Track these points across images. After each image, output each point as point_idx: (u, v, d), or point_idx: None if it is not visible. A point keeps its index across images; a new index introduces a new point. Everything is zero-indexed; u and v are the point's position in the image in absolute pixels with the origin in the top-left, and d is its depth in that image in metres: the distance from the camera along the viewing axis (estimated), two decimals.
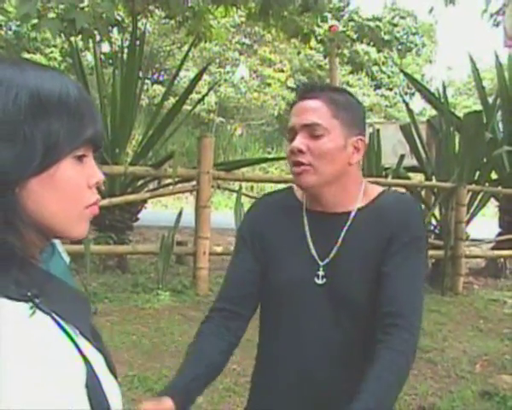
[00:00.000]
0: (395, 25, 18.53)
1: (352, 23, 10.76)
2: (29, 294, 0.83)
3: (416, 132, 8.90)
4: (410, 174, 9.31)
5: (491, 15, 13.80)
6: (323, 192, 1.64)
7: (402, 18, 27.82)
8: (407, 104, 10.09)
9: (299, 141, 1.61)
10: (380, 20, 11.51)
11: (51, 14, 6.23)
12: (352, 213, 1.66)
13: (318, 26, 9.43)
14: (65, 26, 5.63)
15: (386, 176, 8.13)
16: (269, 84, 23.20)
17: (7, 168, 0.85)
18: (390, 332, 1.50)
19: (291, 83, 23.75)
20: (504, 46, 9.60)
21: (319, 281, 1.63)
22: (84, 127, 0.92)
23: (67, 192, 0.91)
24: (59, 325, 0.85)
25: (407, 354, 1.51)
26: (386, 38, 10.84)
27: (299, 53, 23.37)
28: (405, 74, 9.94)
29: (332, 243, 1.64)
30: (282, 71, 23.70)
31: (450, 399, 4.43)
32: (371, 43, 9.88)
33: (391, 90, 28.30)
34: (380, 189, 1.73)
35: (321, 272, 1.63)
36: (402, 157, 8.17)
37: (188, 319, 5.84)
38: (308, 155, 1.60)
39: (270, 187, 18.83)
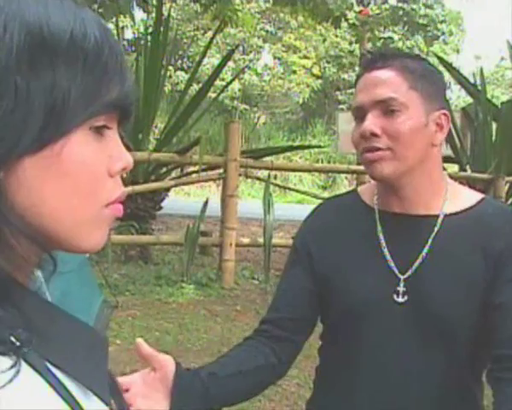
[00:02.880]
0: (430, 7, 17.80)
1: (385, 6, 10.35)
2: (12, 339, 0.52)
3: (451, 121, 8.56)
4: (445, 164, 8.96)
5: None
6: (404, 184, 1.34)
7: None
8: None
9: (372, 122, 1.30)
10: (414, 1, 11.00)
11: None
12: (441, 217, 1.35)
13: (348, 8, 9.08)
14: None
15: None
16: (294, 72, 22.83)
17: None
18: None
19: (316, 70, 23.35)
20: None
21: (399, 299, 1.33)
22: (107, 85, 0.60)
23: (79, 181, 0.59)
24: (59, 387, 0.54)
25: None
26: (421, 22, 10.38)
27: (324, 40, 22.93)
28: (441, 61, 9.58)
29: (415, 252, 1.34)
30: (307, 58, 23.30)
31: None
32: (405, 28, 9.49)
33: None
34: (478, 196, 1.42)
35: (401, 288, 1.33)
36: None
37: (213, 314, 5.55)
38: (384, 137, 1.29)
39: (294, 176, 18.50)
